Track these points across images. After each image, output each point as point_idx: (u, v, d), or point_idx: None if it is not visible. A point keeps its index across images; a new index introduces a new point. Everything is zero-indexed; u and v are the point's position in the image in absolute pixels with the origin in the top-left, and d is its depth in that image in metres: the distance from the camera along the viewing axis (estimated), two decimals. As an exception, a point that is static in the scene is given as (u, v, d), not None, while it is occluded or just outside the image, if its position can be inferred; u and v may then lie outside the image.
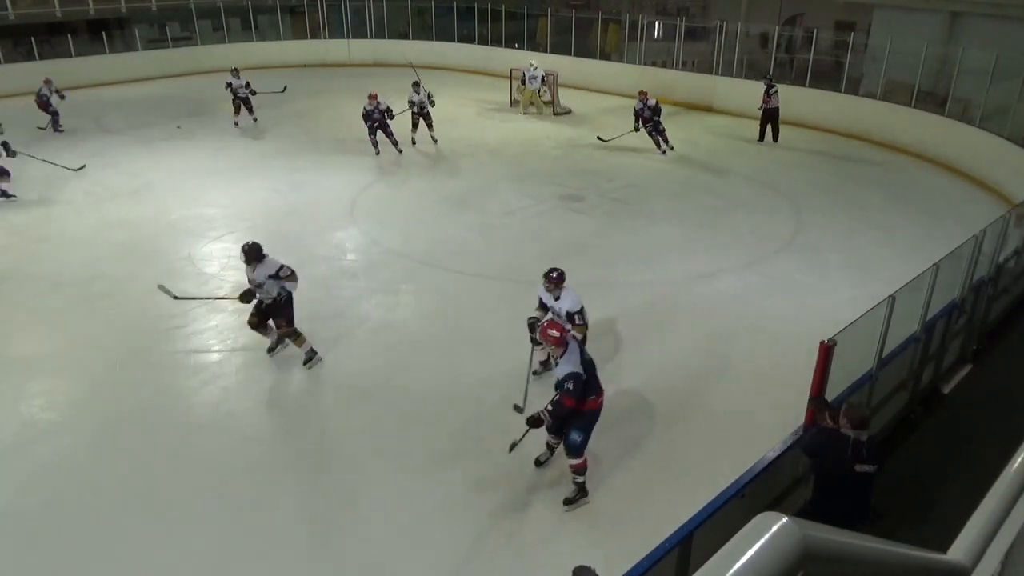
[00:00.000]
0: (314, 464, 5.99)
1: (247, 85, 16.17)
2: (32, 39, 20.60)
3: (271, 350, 7.55)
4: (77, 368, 7.44)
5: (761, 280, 9.17)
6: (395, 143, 14.32)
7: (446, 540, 5.15)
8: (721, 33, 18.76)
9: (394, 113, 14.13)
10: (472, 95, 19.94)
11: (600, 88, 20.39)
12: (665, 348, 7.63)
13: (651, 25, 21.32)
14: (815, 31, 17.32)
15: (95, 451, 6.15)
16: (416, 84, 14.70)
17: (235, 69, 16.36)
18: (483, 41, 23.59)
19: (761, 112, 15.27)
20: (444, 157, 14.55)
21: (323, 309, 8.47)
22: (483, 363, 7.37)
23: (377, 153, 14.29)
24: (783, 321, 8.11)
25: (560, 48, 21.63)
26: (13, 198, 11.62)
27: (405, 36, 24.99)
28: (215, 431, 6.42)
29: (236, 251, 9.95)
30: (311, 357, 7.31)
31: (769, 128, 15.34)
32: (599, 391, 5.28)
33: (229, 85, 16.16)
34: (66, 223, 11.11)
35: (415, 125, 14.86)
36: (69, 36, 21.16)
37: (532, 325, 6.29)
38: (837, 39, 18.35)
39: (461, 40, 24.14)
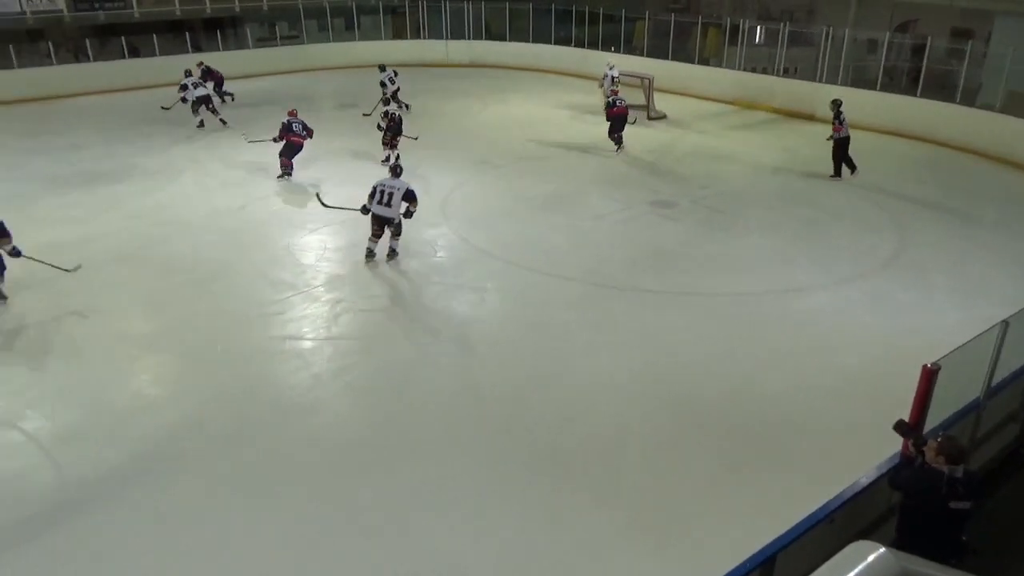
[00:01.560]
0: (394, 453, 6.12)
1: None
2: (154, 36, 21.89)
3: (369, 256, 9.60)
4: (182, 347, 7.88)
5: (860, 298, 8.80)
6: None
7: (515, 538, 5.18)
8: (827, 39, 18.11)
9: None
10: (566, 97, 19.95)
11: (696, 93, 20.04)
12: (754, 362, 7.43)
13: (753, 29, 20.78)
14: (929, 38, 16.46)
15: (193, 427, 6.48)
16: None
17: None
18: (579, 44, 23.57)
19: (832, 143, 13.03)
20: (535, 159, 14.62)
21: (413, 302, 8.68)
22: (561, 365, 7.38)
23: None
24: (882, 342, 7.77)
25: (657, 52, 21.37)
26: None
27: (502, 38, 25.23)
28: (304, 416, 6.66)
29: (332, 243, 10.40)
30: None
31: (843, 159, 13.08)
32: None
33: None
34: (179, 210, 11.77)
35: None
36: (187, 33, 22.37)
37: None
38: (952, 47, 17.40)
39: (557, 42, 24.18)
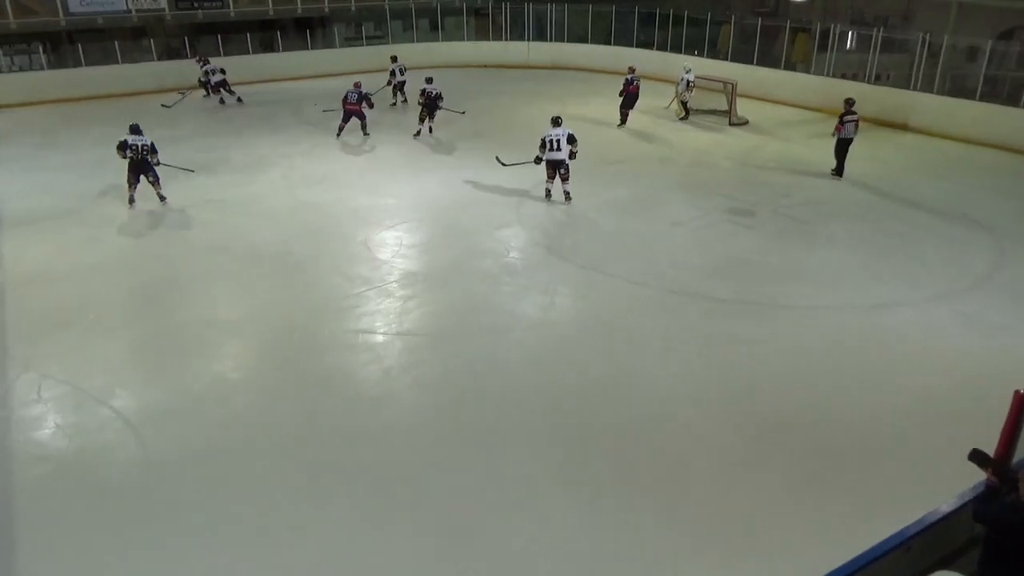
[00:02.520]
0: (458, 452, 6.19)
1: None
2: (247, 35, 22.78)
3: (548, 195, 12.08)
4: (262, 335, 8.17)
5: (950, 317, 8.39)
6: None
7: (578, 545, 5.15)
8: (923, 45, 17.34)
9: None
10: (646, 101, 19.71)
11: (781, 100, 19.51)
12: (832, 379, 7.19)
13: (844, 34, 20.08)
14: (1036, 46, 15.60)
15: (267, 413, 6.71)
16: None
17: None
18: (662, 47, 23.26)
19: (835, 141, 13.29)
20: (613, 162, 14.52)
21: (484, 303, 8.75)
22: (630, 372, 7.30)
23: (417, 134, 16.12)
24: (971, 364, 7.39)
25: (742, 56, 20.90)
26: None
27: (584, 40, 25.16)
28: (373, 408, 6.82)
29: (407, 240, 10.60)
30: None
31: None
32: None
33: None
34: (264, 202, 12.21)
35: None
36: (278, 32, 23.19)
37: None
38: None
39: (639, 45, 23.94)
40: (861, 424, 6.48)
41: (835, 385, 7.08)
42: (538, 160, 11.92)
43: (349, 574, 4.98)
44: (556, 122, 11.88)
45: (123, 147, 11.54)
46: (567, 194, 12.00)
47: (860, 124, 13.25)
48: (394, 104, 19.29)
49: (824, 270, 9.66)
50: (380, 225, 11.17)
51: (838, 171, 13.49)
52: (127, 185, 11.82)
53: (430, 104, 15.97)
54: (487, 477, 5.83)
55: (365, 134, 16.22)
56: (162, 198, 11.89)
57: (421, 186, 13.08)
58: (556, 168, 11.79)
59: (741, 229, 11.10)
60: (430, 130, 16.40)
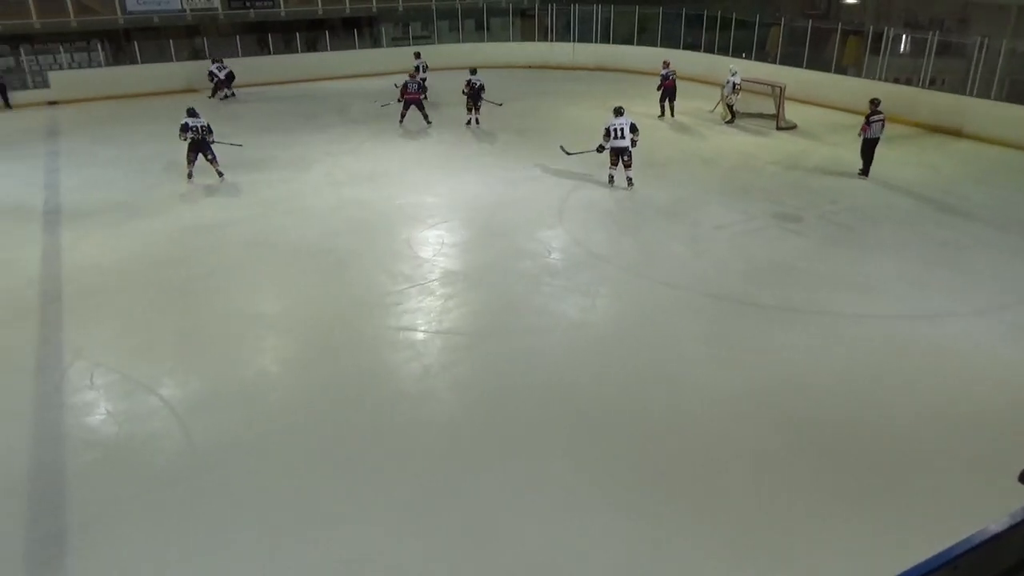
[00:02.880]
0: (494, 451, 6.22)
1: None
2: (297, 34, 23.17)
3: (611, 180, 12.85)
4: (304, 329, 8.32)
5: (1001, 329, 8.15)
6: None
7: (611, 548, 5.14)
8: (980, 50, 16.85)
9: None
10: (691, 104, 19.55)
11: (831, 104, 19.14)
12: (877, 389, 7.04)
13: (897, 38, 19.61)
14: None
15: (308, 406, 6.82)
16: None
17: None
18: (709, 49, 23.00)
19: (861, 141, 13.44)
20: (656, 165, 14.42)
21: (524, 302, 8.77)
22: (669, 376, 7.25)
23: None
24: (1023, 379, 7.17)
25: (791, 59, 20.55)
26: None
27: (629, 42, 25.03)
28: (413, 405, 6.88)
29: (449, 239, 10.68)
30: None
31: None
32: None
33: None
34: (309, 200, 12.41)
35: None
36: (327, 32, 23.54)
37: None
38: None
39: (686, 48, 23.71)
40: (905, 436, 6.33)
41: (879, 396, 6.93)
42: (601, 148, 12.75)
43: (383, 566, 5.04)
44: (618, 112, 12.67)
45: (184, 129, 12.83)
46: (630, 180, 12.80)
47: (886, 124, 13.44)
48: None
49: (870, 278, 9.46)
50: (422, 223, 11.27)
51: (864, 171, 13.60)
52: (187, 163, 13.11)
53: (474, 95, 16.94)
54: (522, 477, 5.84)
55: (428, 123, 17.21)
56: (220, 174, 13.22)
57: (464, 185, 13.16)
58: (620, 155, 12.62)
59: (786, 234, 10.93)
60: (476, 121, 17.24)
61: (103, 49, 21.74)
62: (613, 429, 6.44)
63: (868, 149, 13.42)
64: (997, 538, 4.07)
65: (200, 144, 12.94)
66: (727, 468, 5.96)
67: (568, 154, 13.77)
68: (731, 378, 7.21)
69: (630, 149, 12.54)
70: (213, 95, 20.60)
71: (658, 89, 18.07)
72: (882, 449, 6.16)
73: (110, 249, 10.33)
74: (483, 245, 10.57)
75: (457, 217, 11.58)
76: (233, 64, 22.20)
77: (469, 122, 17.25)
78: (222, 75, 20.53)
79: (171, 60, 21.91)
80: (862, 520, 5.38)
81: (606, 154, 12.78)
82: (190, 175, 13.16)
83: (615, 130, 12.48)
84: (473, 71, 17.28)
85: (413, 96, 16.80)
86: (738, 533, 5.26)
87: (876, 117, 13.15)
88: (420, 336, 8.10)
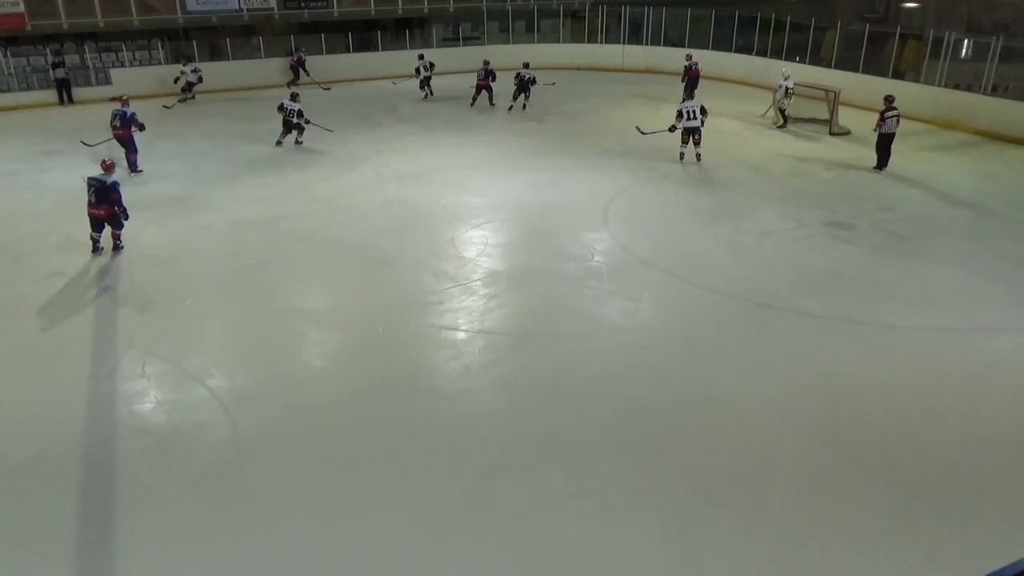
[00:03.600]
0: (533, 452, 6.21)
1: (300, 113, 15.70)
2: (349, 34, 23.51)
3: (682, 157, 14.23)
4: (348, 325, 8.43)
5: (1062, 345, 7.85)
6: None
7: (648, 555, 5.09)
8: (1048, 55, 16.24)
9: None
10: (742, 107, 19.28)
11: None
12: (928, 403, 6.83)
13: (958, 43, 19.01)
14: None
15: (350, 401, 6.92)
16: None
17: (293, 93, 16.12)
18: (761, 52, 22.63)
19: (877, 136, 14.02)
20: (705, 169, 14.25)
21: (566, 305, 8.75)
22: (711, 383, 7.16)
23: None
24: (1084, 397, 6.89)
25: (846, 64, 20.09)
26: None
27: (680, 44, 24.78)
28: (452, 403, 6.92)
29: (493, 239, 10.71)
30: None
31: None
32: None
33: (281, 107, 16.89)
34: (356, 197, 12.59)
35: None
36: (379, 32, 23.84)
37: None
38: None
39: (738, 51, 23.37)
40: (955, 455, 6.13)
41: (930, 410, 6.73)
42: (673, 128, 14.14)
43: (416, 565, 5.07)
44: (690, 95, 14.90)
45: (281, 108, 15.25)
46: (699, 156, 14.29)
47: (901, 119, 13.98)
48: (424, 98, 20.78)
49: (923, 289, 9.19)
50: (467, 223, 11.33)
51: (879, 165, 14.10)
52: (282, 131, 15.52)
53: (522, 85, 18.69)
54: (560, 481, 5.83)
55: (491, 104, 19.42)
56: (299, 142, 15.57)
57: (509, 185, 13.20)
58: (691, 134, 14.07)
59: (837, 242, 10.69)
60: (524, 107, 19.02)
61: (163, 47, 22.37)
62: (653, 436, 6.38)
63: (884, 144, 13.93)
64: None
65: (288, 124, 15.27)
66: (770, 480, 5.85)
67: (643, 134, 14.92)
68: (777, 388, 7.08)
69: (700, 128, 13.95)
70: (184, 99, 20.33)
71: (682, 80, 19.70)
72: (930, 467, 5.97)
73: (165, 241, 10.63)
74: (527, 246, 10.58)
75: (501, 217, 11.61)
76: (284, 64, 22.64)
77: (511, 108, 18.94)
78: (194, 77, 20.35)
79: (228, 59, 22.44)
80: (908, 541, 5.23)
81: (665, 148, 13.54)
82: (279, 143, 15.54)
83: (687, 112, 13.87)
84: (525, 65, 18.96)
85: (483, 82, 19.22)
86: (779, 548, 5.17)
87: (891, 113, 13.65)
88: (462, 335, 8.15)
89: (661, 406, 6.80)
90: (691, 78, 19.55)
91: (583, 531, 5.32)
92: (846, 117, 17.32)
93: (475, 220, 11.46)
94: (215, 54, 22.88)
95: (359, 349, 7.95)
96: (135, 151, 13.84)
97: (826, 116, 17.16)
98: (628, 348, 7.87)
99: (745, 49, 23.20)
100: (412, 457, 6.12)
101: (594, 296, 9.05)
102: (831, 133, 16.83)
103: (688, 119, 13.95)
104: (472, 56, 24.68)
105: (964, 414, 6.67)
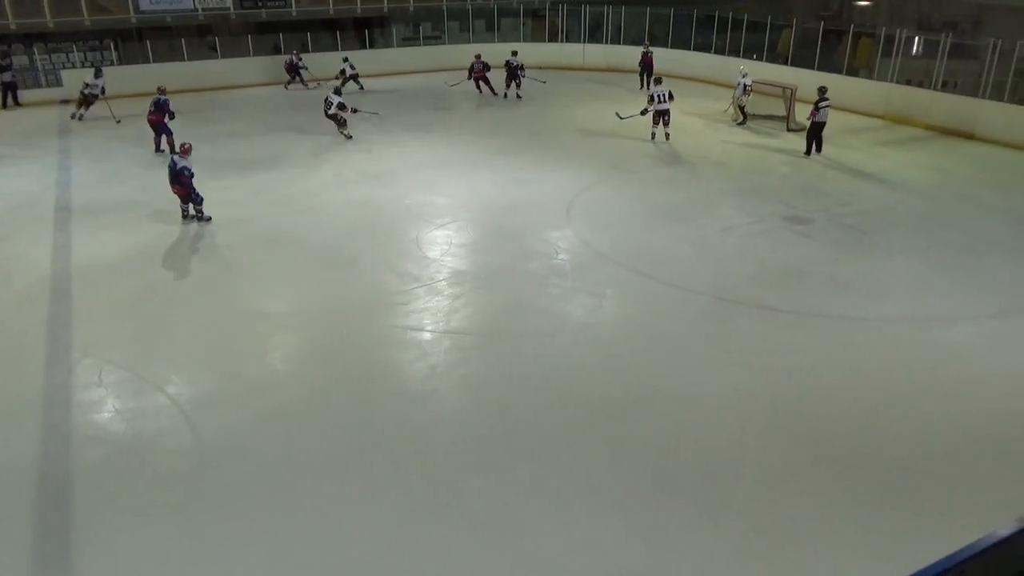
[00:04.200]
0: (501, 451, 6.20)
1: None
2: (308, 34, 23.23)
3: (653, 136, 15.82)
4: (312, 328, 8.34)
5: (1014, 335, 8.08)
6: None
7: (616, 550, 5.12)
8: (994, 52, 16.71)
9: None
10: (703, 105, 19.50)
11: (842, 106, 18.92)
12: (885, 394, 6.99)
13: (909, 40, 19.47)
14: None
15: (315, 405, 6.83)
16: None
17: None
18: (720, 51, 22.93)
19: (809, 124, 14.91)
20: (666, 166, 14.39)
21: (531, 303, 8.76)
22: (675, 379, 7.23)
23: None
24: (1035, 384, 7.11)
25: (802, 61, 20.45)
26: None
27: (639, 43, 24.96)
28: (419, 404, 6.88)
29: (457, 239, 10.68)
30: None
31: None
32: None
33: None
34: (319, 198, 12.45)
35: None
36: (338, 32, 23.59)
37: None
38: None
39: (696, 49, 23.65)
40: (914, 441, 6.28)
41: (887, 399, 6.88)
42: (644, 112, 15.69)
43: (384, 566, 5.03)
44: (659, 81, 16.31)
45: (326, 102, 15.72)
46: (668, 135, 15.78)
47: (832, 109, 14.75)
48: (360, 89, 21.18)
49: (881, 281, 9.40)
50: (431, 223, 11.27)
51: (808, 152, 14.96)
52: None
53: (511, 72, 20.01)
54: (527, 479, 5.83)
55: (494, 93, 20.47)
56: (347, 137, 16.06)
57: (473, 185, 13.17)
58: (662, 116, 15.55)
59: (796, 237, 10.87)
60: (518, 96, 20.24)
61: (115, 48, 21.86)
62: (620, 432, 6.42)
63: (815, 132, 14.83)
64: (1004, 543, 4.03)
65: (336, 119, 15.81)
66: (735, 473, 5.93)
67: (622, 118, 16.26)
68: (740, 381, 7.17)
69: (669, 110, 15.43)
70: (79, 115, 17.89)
71: (639, 64, 21.55)
72: (892, 455, 6.11)
73: (121, 246, 10.38)
74: (491, 245, 10.57)
75: (465, 217, 11.58)
76: (245, 64, 22.29)
77: (506, 95, 20.31)
78: (97, 90, 17.78)
79: (183, 60, 22.02)
80: (869, 527, 5.34)
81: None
82: (350, 136, 16.22)
83: (659, 96, 15.38)
84: (514, 53, 20.47)
85: (480, 74, 20.33)
86: (745, 538, 5.24)
87: (824, 103, 14.43)
88: (427, 336, 8.11)
89: (626, 402, 6.84)
90: (646, 64, 21.32)
91: (551, 529, 5.33)
92: (803, 113, 17.59)
93: (439, 220, 11.41)
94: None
95: (323, 352, 7.86)
96: (169, 134, 14.79)
97: (783, 113, 17.45)
98: (593, 345, 7.91)
99: (704, 47, 23.48)
100: (378, 460, 6.07)
101: (559, 294, 9.07)
102: (788, 129, 17.11)
103: (659, 102, 15.36)
104: (435, 56, 24.65)
105: (921, 403, 6.83)
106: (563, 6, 25.86)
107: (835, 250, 10.38)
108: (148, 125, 14.95)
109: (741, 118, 17.66)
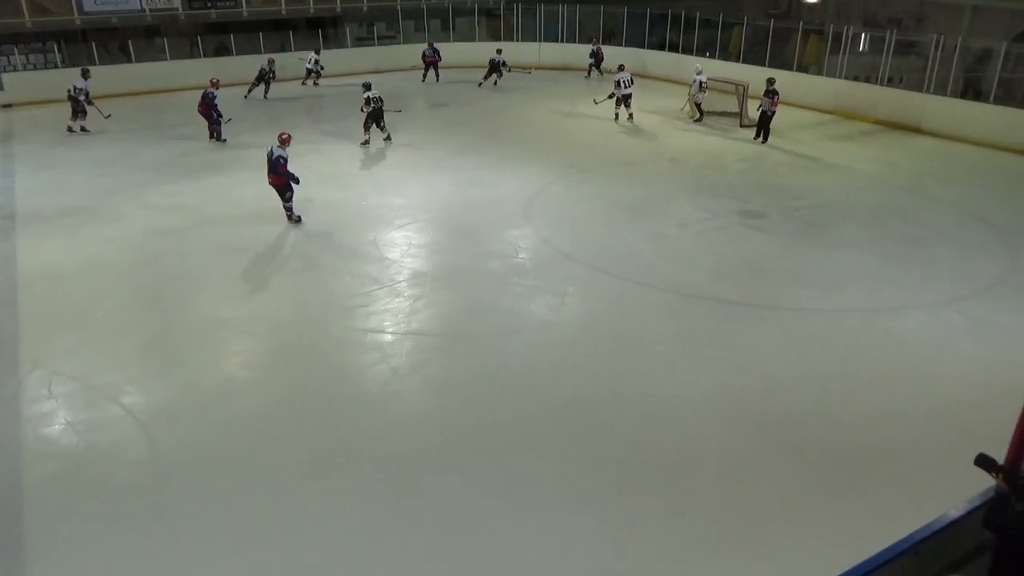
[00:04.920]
0: (466, 451, 6.18)
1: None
2: (260, 34, 22.85)
3: (617, 117, 17.19)
4: (270, 333, 8.20)
5: (961, 321, 8.34)
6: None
7: (586, 545, 5.14)
8: (937, 48, 17.22)
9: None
10: (658, 102, 19.69)
11: (793, 102, 19.33)
12: (842, 383, 7.15)
13: (856, 37, 19.96)
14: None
15: (275, 412, 6.72)
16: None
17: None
18: (673, 48, 23.21)
19: (760, 114, 15.81)
20: (623, 164, 14.50)
21: (493, 303, 8.75)
22: (639, 374, 7.29)
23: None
24: (982, 369, 7.34)
25: (753, 58, 20.80)
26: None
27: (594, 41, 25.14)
28: (381, 408, 6.82)
29: (417, 240, 10.62)
30: None
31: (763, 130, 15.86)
32: None
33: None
34: (275, 201, 12.18)
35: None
36: (291, 32, 23.26)
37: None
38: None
39: (650, 47, 23.89)
40: (870, 427, 6.44)
41: (844, 388, 7.04)
42: (612, 96, 17.39)
43: (350, 572, 4.98)
44: (621, 68, 17.61)
45: (367, 101, 14.86)
46: (631, 115, 17.59)
47: (779, 101, 15.60)
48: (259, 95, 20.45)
49: (834, 273, 9.61)
50: (390, 224, 11.18)
51: (758, 136, 16.01)
52: (363, 129, 15.14)
53: (494, 67, 21.44)
54: (494, 478, 5.82)
55: (436, 80, 22.11)
56: (388, 138, 15.49)
57: (431, 185, 13.10)
58: (626, 99, 17.27)
59: (751, 232, 11.05)
60: (495, 83, 21.62)
61: (59, 50, 21.23)
62: (584, 427, 6.44)
63: (764, 122, 15.80)
64: (956, 524, 4.15)
65: (377, 114, 14.86)
66: (699, 464, 6.01)
67: (597, 103, 18.05)
68: (700, 374, 7.27)
69: (632, 94, 17.27)
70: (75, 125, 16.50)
71: (591, 56, 23.05)
72: (848, 441, 6.25)
73: (69, 254, 10.08)
74: (451, 246, 10.53)
75: (425, 218, 11.52)
76: (196, 65, 21.83)
77: (480, 84, 21.65)
78: (83, 95, 16.29)
79: (131, 62, 21.49)
80: (830, 511, 5.47)
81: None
82: (366, 142, 15.21)
83: (623, 81, 17.03)
84: (498, 51, 21.78)
85: (431, 59, 21.99)
86: (711, 530, 5.31)
87: (771, 90, 15.40)
88: (388, 338, 8.04)
89: (590, 399, 6.88)
90: (598, 58, 23.00)
91: (518, 527, 5.33)
92: (755, 110, 17.91)
93: (398, 221, 11.32)
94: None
95: (282, 357, 7.74)
96: (216, 123, 15.69)
97: (736, 109, 17.72)
98: (555, 343, 7.94)
99: (658, 45, 23.74)
100: (341, 465, 6.00)
101: (520, 293, 9.08)
102: (742, 125, 17.39)
103: (624, 87, 17.03)
104: (389, 56, 24.45)
105: (877, 390, 7.01)
106: (518, 5, 25.88)
107: (790, 243, 10.58)
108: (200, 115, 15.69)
109: (698, 115, 17.89)
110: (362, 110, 15.12)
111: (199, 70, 21.87)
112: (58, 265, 9.75)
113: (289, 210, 11.14)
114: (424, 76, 22.48)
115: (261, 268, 9.72)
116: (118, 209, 11.85)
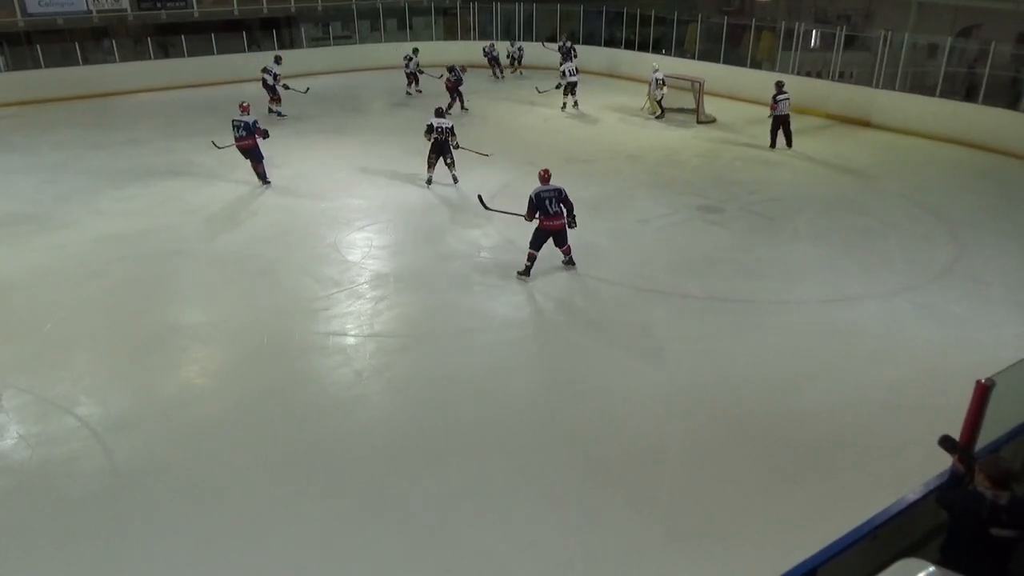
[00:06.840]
0: (432, 453, 6.16)
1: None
2: (212, 35, 22.44)
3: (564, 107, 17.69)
4: (229, 339, 8.06)
5: (911, 309, 8.56)
6: None
7: (551, 542, 5.16)
8: (885, 43, 17.65)
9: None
10: (614, 100, 19.85)
11: (748, 98, 19.70)
12: (800, 373, 7.30)
13: (808, 33, 20.36)
14: (993, 44, 15.86)
15: (237, 419, 6.62)
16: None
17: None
18: (629, 46, 23.41)
19: (771, 119, 15.17)
20: (581, 161, 14.57)
21: (455, 303, 8.73)
22: (601, 369, 7.34)
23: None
24: (934, 355, 7.55)
25: (708, 55, 21.11)
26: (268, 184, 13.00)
27: (553, 39, 25.20)
28: (345, 411, 6.76)
29: (377, 241, 10.54)
30: None
31: (782, 135, 15.21)
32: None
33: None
34: (230, 205, 12.05)
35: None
36: (244, 33, 22.88)
37: None
38: (1017, 53, 16.81)
39: (607, 44, 24.07)
40: (828, 416, 6.57)
41: (802, 378, 7.18)
42: (558, 86, 18.78)
43: (322, 579, 4.93)
44: (567, 56, 19.74)
45: (429, 130, 12.46)
46: (576, 103, 18.56)
47: (791, 104, 15.08)
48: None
49: (790, 265, 9.80)
50: (349, 227, 11.08)
51: (773, 145, 15.34)
52: (427, 165, 12.77)
53: (492, 60, 22.96)
54: (461, 478, 5.81)
55: (463, 108, 19.30)
56: (455, 179, 12.88)
57: (391, 186, 13.01)
58: (571, 88, 18.35)
59: (709, 226, 11.20)
60: (499, 75, 23.30)
61: (2, 53, 20.59)
62: (547, 425, 6.47)
63: (777, 125, 15.10)
64: (913, 507, 4.25)
65: (442, 147, 12.52)
66: (662, 457, 6.07)
67: (540, 92, 19.64)
68: (661, 369, 7.36)
69: (577, 83, 18.26)
70: None
71: (559, 51, 22.31)
72: (807, 430, 6.38)
73: (16, 263, 9.79)
74: (413, 247, 10.47)
75: (385, 219, 11.43)
76: (146, 68, 21.36)
77: (495, 76, 23.30)
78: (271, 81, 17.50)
79: (78, 64, 20.92)
80: (790, 499, 5.57)
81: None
82: (429, 180, 12.87)
83: (568, 71, 18.17)
84: (491, 46, 23.11)
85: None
86: (675, 521, 5.37)
87: (782, 96, 14.79)
88: (351, 341, 7.97)
89: (554, 396, 6.92)
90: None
91: (485, 527, 5.33)
92: (711, 106, 18.19)
93: (358, 223, 11.22)
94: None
95: (242, 363, 7.61)
96: (260, 160, 12.87)
97: (693, 106, 17.95)
98: (519, 342, 7.95)
99: (614, 43, 23.92)
100: (306, 471, 5.93)
101: (483, 292, 9.07)
102: (699, 122, 17.62)
103: (570, 76, 17.95)
104: (345, 57, 24.20)
105: (832, 379, 7.16)
106: (474, 4, 25.85)
107: (747, 237, 10.75)
108: (241, 153, 12.79)
109: (659, 111, 18.07)
110: (427, 139, 12.63)
111: (149, 72, 21.47)
112: (6, 275, 9.45)
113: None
114: (410, 90, 20.63)
115: (217, 272, 9.55)
116: (68, 216, 11.53)
